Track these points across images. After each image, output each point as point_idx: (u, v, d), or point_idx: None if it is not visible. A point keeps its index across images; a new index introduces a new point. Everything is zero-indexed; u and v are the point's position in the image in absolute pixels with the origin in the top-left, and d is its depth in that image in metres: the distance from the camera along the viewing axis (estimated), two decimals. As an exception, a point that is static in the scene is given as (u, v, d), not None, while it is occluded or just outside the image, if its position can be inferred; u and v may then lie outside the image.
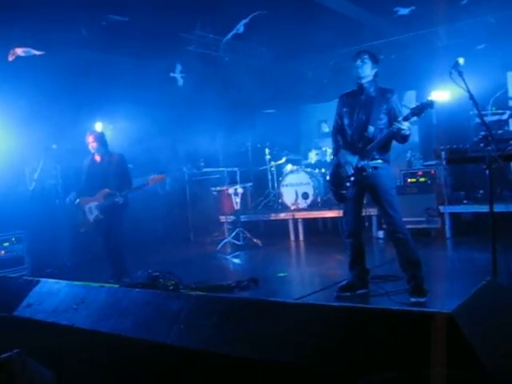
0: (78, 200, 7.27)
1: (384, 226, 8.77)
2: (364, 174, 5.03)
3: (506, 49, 9.47)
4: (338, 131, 5.37)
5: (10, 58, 8.04)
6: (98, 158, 7.27)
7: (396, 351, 2.54)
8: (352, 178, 5.11)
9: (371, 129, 5.03)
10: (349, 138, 5.23)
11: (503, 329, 2.81)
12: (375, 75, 5.18)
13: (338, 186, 5.27)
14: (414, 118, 4.84)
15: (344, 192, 5.19)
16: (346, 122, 5.26)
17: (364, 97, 5.16)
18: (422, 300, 4.87)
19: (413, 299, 4.92)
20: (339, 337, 2.76)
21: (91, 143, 7.16)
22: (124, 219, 7.27)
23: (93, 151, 7.22)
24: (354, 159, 5.09)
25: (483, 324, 2.70)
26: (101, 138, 7.28)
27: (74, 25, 8.62)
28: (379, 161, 5.10)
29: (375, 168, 5.06)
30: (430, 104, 4.74)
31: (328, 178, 5.61)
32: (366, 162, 5.04)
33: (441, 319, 2.50)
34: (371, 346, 2.60)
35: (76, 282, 4.53)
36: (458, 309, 2.61)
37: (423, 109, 4.79)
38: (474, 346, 2.41)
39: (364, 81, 5.13)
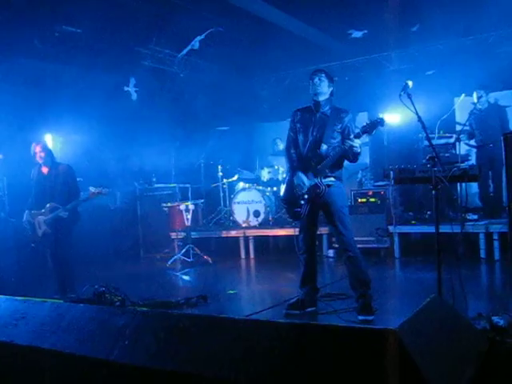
0: (25, 214, 7.12)
1: (335, 245, 8.88)
2: (318, 191, 5.07)
3: (453, 75, 9.79)
4: (292, 146, 5.38)
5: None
6: (45, 169, 7.12)
7: (342, 368, 2.54)
8: (306, 196, 5.13)
9: (324, 146, 5.08)
10: (302, 155, 5.25)
11: (447, 345, 2.86)
12: (331, 94, 5.26)
13: (291, 203, 5.28)
14: (366, 138, 4.91)
15: (298, 210, 5.19)
16: (300, 138, 5.30)
17: (319, 114, 5.21)
18: (369, 318, 4.90)
19: (360, 317, 4.95)
20: (287, 353, 2.74)
21: (39, 153, 7.01)
22: (72, 233, 7.14)
23: (40, 162, 7.07)
24: (307, 177, 5.13)
25: (428, 340, 2.74)
26: (48, 149, 7.18)
27: (26, 34, 8.47)
28: (332, 178, 5.15)
29: (328, 186, 5.10)
30: (381, 122, 4.85)
31: (282, 195, 5.60)
32: (319, 179, 5.09)
33: (386, 336, 2.52)
34: (319, 363, 2.59)
35: (16, 297, 4.36)
36: (403, 325, 2.64)
37: (374, 126, 4.89)
38: (418, 362, 2.44)
39: (321, 98, 5.18)
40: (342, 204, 5.18)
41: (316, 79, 5.17)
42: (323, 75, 5.19)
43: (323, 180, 5.08)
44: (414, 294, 5.94)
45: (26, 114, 8.77)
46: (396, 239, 8.55)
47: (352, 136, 4.94)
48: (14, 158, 8.50)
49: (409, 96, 4.46)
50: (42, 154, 7.01)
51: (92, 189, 6.99)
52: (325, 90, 5.19)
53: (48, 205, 6.93)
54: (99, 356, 3.25)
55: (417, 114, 4.38)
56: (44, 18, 7.67)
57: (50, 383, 3.47)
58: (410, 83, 4.48)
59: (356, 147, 4.92)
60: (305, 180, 5.12)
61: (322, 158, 5.07)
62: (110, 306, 5.16)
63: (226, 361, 2.85)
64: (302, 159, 5.24)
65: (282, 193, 5.60)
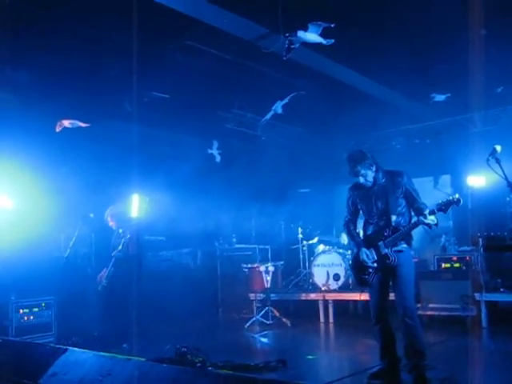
0: (101, 273, 7.90)
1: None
2: (387, 261, 5.05)
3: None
4: (351, 223, 5.47)
5: (58, 129, 8.40)
6: (120, 230, 7.99)
7: None
8: (375, 265, 5.12)
9: (393, 217, 5.07)
10: (371, 228, 5.26)
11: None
12: (376, 167, 5.18)
13: (359, 270, 5.27)
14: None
15: (366, 277, 5.19)
16: (365, 213, 5.33)
17: (376, 187, 5.20)
18: None
19: None
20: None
21: (110, 222, 8.07)
22: (127, 285, 7.66)
23: (113, 227, 8.09)
24: (377, 247, 5.11)
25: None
26: (117, 215, 8.10)
27: (117, 100, 9.03)
28: (403, 245, 5.10)
29: (399, 251, 5.07)
30: (457, 201, 4.80)
31: (350, 262, 5.56)
32: (389, 250, 5.06)
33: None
34: None
35: (103, 353, 4.49)
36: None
37: (449, 205, 4.84)
38: None
39: (370, 184, 5.19)
40: (409, 270, 5.12)
41: (360, 178, 5.13)
42: (364, 163, 5.09)
43: (394, 248, 5.05)
44: (505, 368, 5.60)
45: (114, 175, 9.21)
46: (483, 308, 8.14)
47: (426, 212, 4.89)
48: (102, 216, 8.90)
49: (497, 161, 4.37)
50: (112, 223, 8.04)
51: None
52: (371, 177, 5.16)
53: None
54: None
55: (506, 179, 4.27)
56: (134, 84, 8.13)
57: None
58: (499, 148, 4.39)
59: (430, 223, 4.90)
60: (370, 256, 5.13)
61: (395, 230, 5.05)
62: (191, 366, 5.19)
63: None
64: (373, 231, 5.24)
65: (350, 260, 5.64)
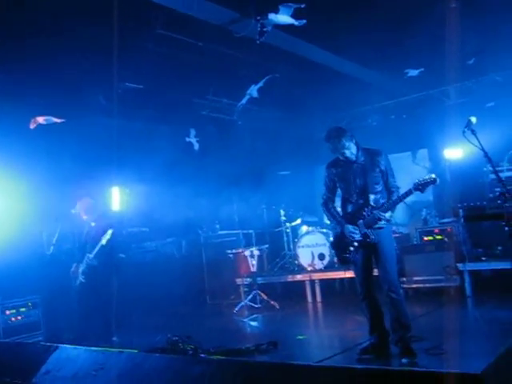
0: (73, 267, 7.78)
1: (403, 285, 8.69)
2: (368, 240, 5.14)
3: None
4: (329, 201, 5.50)
5: (32, 126, 8.29)
6: (93, 223, 7.82)
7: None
8: (356, 244, 5.19)
9: (371, 197, 5.15)
10: (350, 207, 5.31)
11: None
12: (356, 143, 5.24)
13: (341, 249, 5.35)
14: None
15: (348, 255, 5.26)
16: (344, 191, 5.38)
17: (355, 165, 5.24)
18: (414, 360, 4.85)
19: (405, 360, 4.90)
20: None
21: (79, 210, 7.84)
22: (110, 282, 7.60)
23: (84, 218, 7.87)
24: (357, 226, 5.17)
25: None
26: (90, 205, 7.90)
27: (91, 93, 8.92)
28: (383, 222, 5.17)
29: (379, 228, 5.15)
30: (433, 181, 4.89)
31: (331, 241, 5.67)
32: (369, 229, 5.14)
33: (470, 381, 2.45)
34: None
35: (94, 348, 4.49)
36: (487, 370, 2.56)
37: (426, 185, 4.93)
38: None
39: (352, 156, 5.21)
40: (390, 246, 5.25)
41: (339, 147, 5.13)
42: (345, 139, 5.13)
43: (374, 226, 5.13)
44: (491, 335, 5.72)
45: (93, 169, 9.15)
46: (467, 277, 8.29)
47: (389, 201, 5.09)
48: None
49: (473, 132, 4.43)
50: (82, 212, 7.81)
51: (103, 237, 7.44)
52: (354, 150, 5.21)
53: (86, 256, 7.59)
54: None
55: (483, 149, 4.33)
56: (107, 76, 8.04)
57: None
58: (474, 119, 4.45)
59: (388, 218, 5.14)
60: (355, 231, 5.17)
61: (373, 208, 5.11)
62: (184, 354, 5.22)
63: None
64: (352, 209, 5.29)
65: (331, 239, 5.68)
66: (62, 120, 8.50)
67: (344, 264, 5.53)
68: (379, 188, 5.20)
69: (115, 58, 7.38)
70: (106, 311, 7.47)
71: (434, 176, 4.86)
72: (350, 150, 5.17)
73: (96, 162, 9.15)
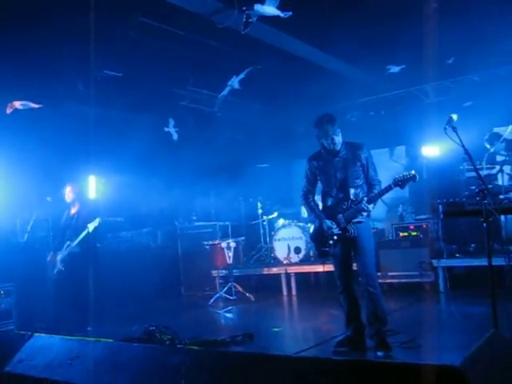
0: (49, 255, 7.74)
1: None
2: (347, 234, 5.16)
3: (491, 105, 9.71)
4: (310, 194, 5.50)
5: (8, 111, 8.12)
6: (72, 210, 7.79)
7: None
8: (335, 237, 5.20)
9: (352, 191, 5.16)
10: (330, 200, 5.32)
11: (508, 381, 2.79)
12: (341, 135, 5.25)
13: (320, 243, 5.36)
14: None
15: (327, 249, 5.28)
16: (324, 185, 5.38)
17: (337, 158, 5.25)
18: (390, 354, 4.91)
19: (380, 353, 4.97)
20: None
21: (67, 193, 7.75)
22: (88, 270, 7.53)
23: (68, 201, 7.75)
24: (337, 219, 5.19)
25: (489, 376, 2.68)
26: (77, 191, 7.85)
27: (70, 79, 8.78)
28: (363, 216, 5.18)
29: (358, 222, 5.17)
30: (413, 177, 4.92)
31: (311, 233, 5.73)
32: (349, 224, 5.15)
33: (448, 372, 2.48)
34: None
35: (70, 337, 4.44)
36: (465, 362, 2.59)
37: (406, 181, 4.95)
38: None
39: (338, 147, 5.21)
40: (368, 240, 5.26)
41: (330, 132, 5.11)
42: (336, 126, 5.15)
43: (353, 220, 5.14)
44: (465, 329, 5.80)
45: (70, 157, 9.02)
46: (440, 273, 8.40)
47: (366, 199, 5.05)
48: (59, 199, 8.71)
49: (454, 129, 4.46)
50: (70, 195, 7.73)
51: (89, 224, 7.39)
52: (340, 138, 5.21)
53: (66, 243, 7.53)
54: (156, 395, 3.27)
55: (463, 146, 4.38)
56: (87, 63, 7.93)
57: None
58: (455, 117, 4.49)
59: (370, 210, 5.11)
60: (333, 226, 5.19)
61: (353, 202, 5.13)
62: (161, 344, 5.19)
63: (284, 399, 2.84)
64: (332, 203, 5.30)
65: (311, 231, 5.70)
66: (40, 105, 8.34)
67: (323, 257, 5.57)
68: (360, 182, 5.22)
69: (94, 45, 7.29)
70: (83, 299, 7.39)
71: (413, 172, 4.90)
72: (338, 138, 5.16)
73: (72, 150, 9.02)
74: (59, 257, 7.58)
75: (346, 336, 5.38)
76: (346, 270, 5.34)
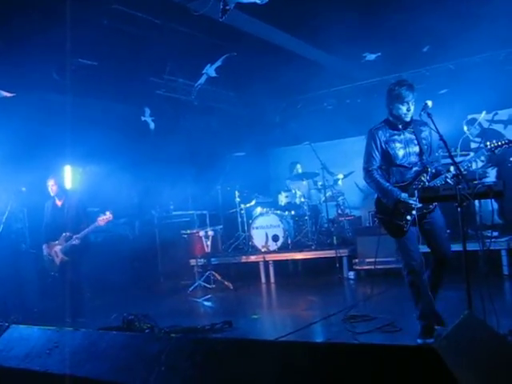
0: (44, 247, 7.68)
1: (355, 267, 8.84)
2: (431, 206, 4.78)
3: (466, 93, 9.84)
4: (379, 168, 4.96)
5: (-20, 100, 8.01)
6: (59, 202, 7.68)
7: (382, 386, 2.55)
8: (414, 212, 4.72)
9: (428, 169, 4.83)
10: (401, 175, 4.89)
11: (485, 360, 2.86)
12: None
13: (395, 215, 4.82)
14: None
15: (401, 223, 4.80)
16: (396, 159, 4.86)
17: (407, 132, 4.89)
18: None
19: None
20: (325, 373, 2.75)
21: (51, 186, 7.62)
22: (84, 260, 7.65)
23: (52, 194, 7.64)
24: (413, 194, 4.72)
25: (466, 356, 2.74)
26: (60, 182, 7.80)
27: (44, 68, 8.65)
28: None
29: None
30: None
31: (377, 210, 5.09)
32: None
33: (425, 352, 2.53)
34: (359, 382, 2.60)
35: (48, 327, 4.40)
36: (441, 342, 2.64)
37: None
38: (459, 379, 2.44)
39: (409, 118, 4.85)
40: (444, 223, 5.01)
41: (409, 97, 4.75)
42: (411, 97, 4.76)
43: None
44: (441, 312, 5.88)
45: (45, 147, 8.92)
46: (417, 258, 8.49)
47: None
48: (34, 190, 8.61)
49: (429, 115, 4.50)
50: (54, 188, 7.60)
51: (100, 218, 7.37)
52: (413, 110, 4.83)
53: (63, 234, 7.46)
54: (136, 383, 3.27)
55: (438, 132, 4.42)
56: (61, 51, 7.83)
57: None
58: (430, 103, 4.52)
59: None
60: (412, 200, 4.71)
61: (430, 179, 4.78)
62: (140, 333, 5.19)
63: (264, 382, 2.87)
64: (406, 177, 4.87)
65: (376, 208, 5.07)
66: (13, 94, 8.22)
67: (396, 234, 4.90)
68: (432, 159, 4.92)
69: (68, 33, 7.19)
70: (81, 289, 7.63)
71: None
72: (413, 108, 4.81)
73: (47, 139, 8.92)
74: (58, 248, 7.51)
75: (427, 322, 4.94)
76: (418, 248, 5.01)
